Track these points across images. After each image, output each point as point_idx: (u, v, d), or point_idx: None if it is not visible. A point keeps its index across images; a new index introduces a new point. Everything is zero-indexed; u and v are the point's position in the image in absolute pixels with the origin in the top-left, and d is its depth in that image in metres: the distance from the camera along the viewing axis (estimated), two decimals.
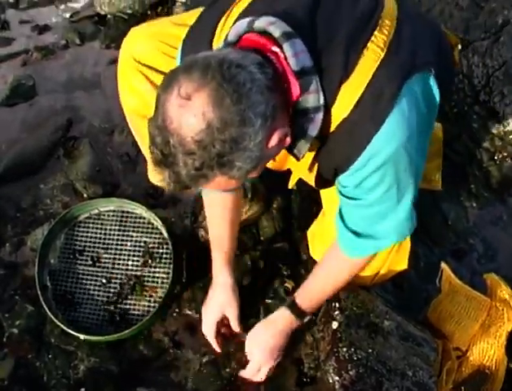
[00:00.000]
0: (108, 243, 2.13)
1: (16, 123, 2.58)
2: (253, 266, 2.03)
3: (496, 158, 2.35)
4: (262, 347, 1.74)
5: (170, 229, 2.09)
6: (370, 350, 1.64)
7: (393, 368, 1.62)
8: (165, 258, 2.07)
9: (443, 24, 2.49)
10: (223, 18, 1.38)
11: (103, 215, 2.18)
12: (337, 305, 1.73)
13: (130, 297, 2.02)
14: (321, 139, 1.29)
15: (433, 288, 1.94)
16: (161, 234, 2.11)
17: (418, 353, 1.67)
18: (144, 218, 2.16)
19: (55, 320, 1.92)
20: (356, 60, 1.23)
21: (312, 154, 1.36)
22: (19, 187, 2.34)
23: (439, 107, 1.38)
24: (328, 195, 1.72)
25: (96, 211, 2.18)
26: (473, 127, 2.39)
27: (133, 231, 2.14)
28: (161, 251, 2.09)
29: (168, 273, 2.02)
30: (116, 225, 2.16)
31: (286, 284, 1.99)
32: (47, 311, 1.93)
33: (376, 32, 1.26)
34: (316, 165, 1.41)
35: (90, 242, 2.13)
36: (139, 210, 2.16)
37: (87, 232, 2.15)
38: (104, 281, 2.05)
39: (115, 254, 2.10)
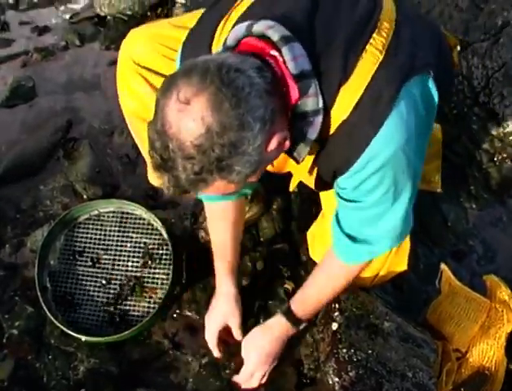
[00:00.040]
0: (108, 245, 2.13)
1: (16, 124, 2.58)
2: (252, 267, 2.03)
3: (495, 159, 2.36)
4: (257, 352, 1.74)
5: (170, 230, 2.09)
6: (370, 351, 1.64)
7: (393, 369, 1.62)
8: (165, 259, 2.07)
9: (443, 26, 2.50)
10: (222, 22, 1.38)
11: (103, 216, 2.18)
12: (336, 306, 1.73)
13: (129, 298, 2.02)
14: (321, 142, 1.29)
15: (433, 290, 1.94)
16: (160, 235, 2.11)
17: (418, 355, 1.67)
18: (144, 219, 2.16)
19: (55, 321, 1.91)
20: (355, 63, 1.23)
21: (312, 157, 1.36)
22: (18, 188, 2.34)
23: (439, 108, 1.38)
24: (327, 197, 1.72)
25: (96, 212, 2.18)
26: (472, 128, 2.39)
27: (133, 232, 2.14)
28: (160, 252, 2.09)
29: (168, 274, 2.02)
30: (116, 226, 2.16)
31: (286, 285, 1.99)
32: (47, 312, 1.93)
33: (374, 35, 1.26)
34: (316, 168, 1.41)
35: (89, 243, 2.13)
36: (139, 211, 2.16)
37: (87, 233, 2.15)
38: (104, 282, 2.05)
39: (115, 255, 2.10)
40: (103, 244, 2.13)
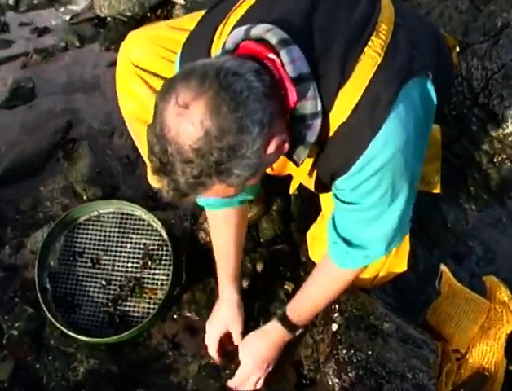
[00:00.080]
0: (108, 245, 2.13)
1: (16, 125, 2.58)
2: (252, 268, 2.03)
3: (495, 160, 2.36)
4: (252, 357, 1.76)
5: (170, 231, 2.10)
6: (370, 352, 1.65)
7: (393, 370, 1.62)
8: (165, 260, 2.07)
9: (443, 27, 2.50)
10: (221, 25, 1.38)
11: (103, 217, 2.18)
12: (336, 307, 1.73)
13: (129, 299, 2.02)
14: (320, 145, 1.29)
15: (432, 291, 1.95)
16: (160, 236, 2.11)
17: (418, 356, 1.67)
18: (144, 220, 2.16)
19: (55, 322, 1.92)
20: (353, 65, 1.23)
21: (311, 159, 1.36)
22: (18, 190, 2.34)
23: (438, 109, 1.38)
24: (327, 198, 1.72)
25: (96, 213, 2.18)
26: (472, 130, 2.39)
27: (132, 233, 2.14)
28: (160, 253, 2.09)
29: (168, 275, 2.02)
30: (115, 227, 2.16)
31: (286, 286, 1.99)
32: (47, 313, 1.94)
33: (373, 38, 1.26)
34: (315, 170, 1.41)
35: (89, 244, 2.14)
36: (139, 212, 2.16)
37: (87, 234, 2.15)
38: (104, 283, 2.05)
39: (115, 256, 2.10)
40: (103, 245, 2.13)
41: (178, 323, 1.98)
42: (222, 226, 1.80)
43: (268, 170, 1.50)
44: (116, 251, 2.11)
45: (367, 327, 1.70)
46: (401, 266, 1.72)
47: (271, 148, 1.16)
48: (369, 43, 1.25)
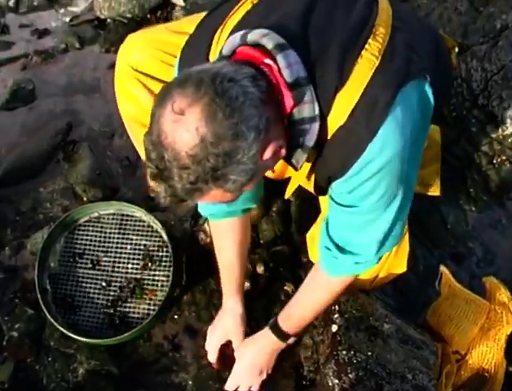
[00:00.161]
0: (108, 247, 2.13)
1: (16, 127, 2.59)
2: (252, 270, 2.03)
3: (494, 162, 2.36)
4: (243, 363, 1.78)
5: (170, 232, 2.09)
6: (370, 353, 1.65)
7: (393, 371, 1.62)
8: (165, 261, 2.07)
9: (442, 29, 2.50)
10: (219, 30, 1.38)
11: (103, 218, 2.19)
12: (336, 308, 1.73)
13: (129, 300, 2.02)
14: (318, 148, 1.29)
15: (432, 292, 1.95)
16: (160, 237, 2.12)
17: (418, 357, 1.67)
18: (144, 221, 2.16)
19: (55, 323, 1.92)
20: (351, 69, 1.22)
21: (310, 163, 1.36)
22: (18, 191, 2.34)
23: (438, 111, 1.38)
24: (326, 200, 1.72)
25: (96, 214, 2.19)
26: (471, 131, 2.39)
27: (133, 234, 2.14)
28: (160, 254, 2.09)
29: (168, 276, 2.03)
30: (115, 228, 2.16)
31: (286, 287, 1.99)
32: (47, 314, 1.94)
33: (370, 41, 1.25)
34: (314, 173, 1.41)
35: (89, 245, 2.14)
36: (139, 213, 2.16)
37: (87, 235, 2.16)
38: (104, 284, 2.06)
39: (115, 257, 2.10)
40: (103, 246, 2.13)
41: (179, 324, 1.98)
42: (226, 236, 1.80)
43: (269, 174, 1.51)
44: (116, 252, 2.11)
45: (367, 328, 1.70)
46: (401, 267, 1.72)
47: (268, 154, 1.16)
48: (366, 46, 1.25)
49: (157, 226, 2.11)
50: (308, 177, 1.41)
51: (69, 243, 2.14)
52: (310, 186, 1.46)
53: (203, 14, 1.53)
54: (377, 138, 1.22)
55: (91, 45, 2.94)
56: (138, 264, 2.08)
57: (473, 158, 2.36)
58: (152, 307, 2.00)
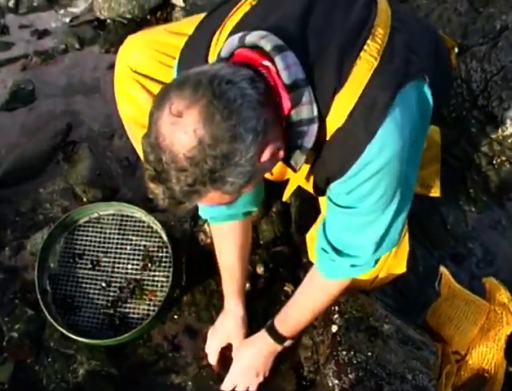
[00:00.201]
0: (108, 247, 2.13)
1: (16, 127, 2.59)
2: (252, 270, 2.03)
3: (494, 162, 2.36)
4: (239, 364, 1.78)
5: (170, 232, 2.10)
6: (370, 354, 1.65)
7: (392, 372, 1.62)
8: (165, 262, 2.07)
9: (442, 29, 2.50)
10: (217, 32, 1.38)
11: (103, 219, 2.18)
12: (336, 308, 1.74)
13: (129, 301, 2.02)
14: (317, 150, 1.29)
15: (432, 292, 1.95)
16: (160, 237, 2.12)
17: (418, 357, 1.67)
18: (144, 222, 2.16)
19: (55, 324, 1.91)
20: (349, 70, 1.22)
21: (309, 164, 1.36)
22: (18, 192, 2.34)
23: (437, 111, 1.38)
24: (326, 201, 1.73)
25: (96, 215, 2.19)
26: (471, 132, 2.39)
27: (132, 235, 2.14)
28: (160, 254, 2.09)
29: (168, 276, 2.02)
30: (115, 229, 2.16)
31: (286, 288, 1.99)
32: (47, 315, 1.94)
33: (369, 42, 1.25)
34: (312, 174, 1.41)
35: (89, 246, 2.14)
36: (139, 214, 2.16)
37: (87, 236, 2.15)
38: (104, 285, 2.06)
39: (114, 258, 2.10)
40: (103, 247, 2.13)
41: (178, 325, 1.98)
42: (227, 239, 1.80)
43: (269, 176, 1.51)
44: (116, 253, 2.11)
45: (367, 329, 1.70)
46: (401, 268, 1.72)
47: (266, 156, 1.16)
48: (365, 47, 1.24)
49: (157, 226, 2.11)
50: (307, 179, 1.41)
51: (69, 243, 2.14)
52: (309, 187, 1.46)
53: (202, 15, 1.53)
54: (376, 139, 1.22)
55: (91, 45, 2.94)
56: (138, 264, 2.08)
57: (473, 159, 2.37)
58: (151, 308, 2.00)
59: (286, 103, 1.18)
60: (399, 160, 1.27)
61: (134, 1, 2.92)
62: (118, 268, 2.08)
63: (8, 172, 2.39)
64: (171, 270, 2.02)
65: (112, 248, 2.12)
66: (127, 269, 2.08)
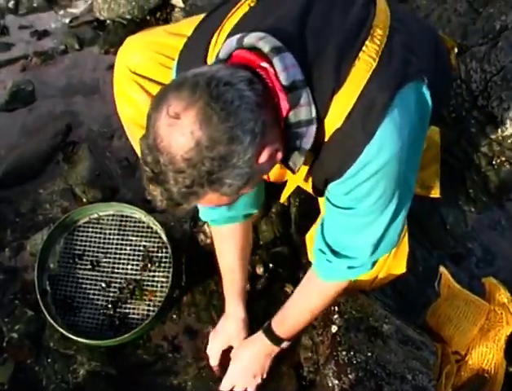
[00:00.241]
0: (108, 248, 2.13)
1: (16, 128, 2.59)
2: (252, 271, 2.03)
3: (494, 163, 2.36)
4: (237, 365, 1.79)
5: (170, 233, 2.10)
6: (369, 354, 1.65)
7: (392, 372, 1.62)
8: (165, 262, 2.07)
9: (441, 30, 2.50)
10: (216, 33, 1.38)
11: (103, 219, 2.18)
12: (336, 308, 1.73)
13: (129, 301, 2.02)
14: (315, 151, 1.29)
15: (432, 292, 1.94)
16: (160, 238, 2.12)
17: (418, 357, 1.67)
18: (144, 222, 2.16)
19: (55, 325, 1.91)
20: (348, 71, 1.22)
21: (308, 165, 1.36)
22: (18, 192, 2.34)
23: (437, 112, 1.38)
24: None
25: (95, 215, 2.18)
26: (471, 132, 2.39)
27: (132, 235, 2.14)
28: (160, 255, 2.09)
29: (167, 277, 2.02)
30: (115, 229, 2.16)
31: (285, 288, 1.99)
32: (47, 316, 1.94)
33: (367, 42, 1.25)
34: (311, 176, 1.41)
35: (89, 246, 2.14)
36: (139, 214, 2.16)
37: (87, 237, 2.15)
38: (104, 285, 2.06)
39: (114, 258, 2.10)
40: (103, 248, 2.13)
41: (178, 325, 1.98)
42: (227, 241, 1.80)
43: (270, 176, 1.51)
44: (115, 253, 2.11)
45: (366, 329, 1.70)
46: (400, 268, 1.72)
47: (263, 158, 1.16)
48: (364, 48, 1.24)
49: (157, 227, 2.11)
50: (306, 180, 1.41)
51: (69, 244, 2.14)
52: (309, 188, 1.46)
53: (202, 16, 1.53)
54: (375, 140, 1.22)
55: (91, 46, 2.95)
56: (137, 265, 2.08)
57: (472, 159, 2.37)
58: (151, 308, 2.00)
59: (284, 105, 1.18)
60: (398, 161, 1.27)
61: (134, 1, 2.92)
62: (118, 268, 2.08)
63: (8, 172, 2.39)
64: (171, 270, 2.02)
65: (111, 248, 2.12)
66: (127, 269, 2.08)
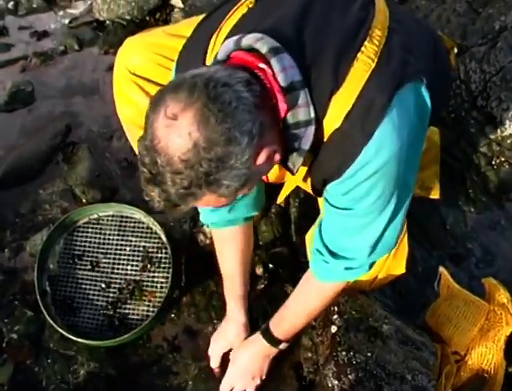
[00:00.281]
0: (107, 248, 2.13)
1: (15, 128, 2.59)
2: (252, 271, 2.03)
3: (493, 163, 2.36)
4: (235, 366, 1.79)
5: (169, 233, 2.10)
6: (369, 354, 1.64)
7: (392, 372, 1.62)
8: (164, 263, 2.07)
9: (441, 30, 2.50)
10: (215, 34, 1.38)
11: (102, 220, 2.19)
12: (335, 309, 1.73)
13: (129, 302, 2.02)
14: (314, 152, 1.29)
15: (431, 293, 1.94)
16: (159, 238, 2.12)
17: (417, 357, 1.67)
18: (143, 223, 2.16)
19: (55, 325, 1.92)
20: (346, 71, 1.22)
21: (306, 166, 1.36)
22: (18, 193, 2.34)
23: (436, 112, 1.38)
24: None
25: (95, 216, 2.19)
26: (470, 132, 2.39)
27: (132, 236, 2.14)
28: (159, 255, 2.09)
29: (167, 277, 2.02)
30: (115, 230, 2.16)
31: (285, 289, 1.99)
32: (47, 316, 1.94)
33: (366, 43, 1.25)
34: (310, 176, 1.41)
35: (89, 247, 2.14)
36: (138, 215, 2.16)
37: (86, 237, 2.16)
38: (104, 286, 2.06)
39: (114, 259, 2.10)
40: (103, 248, 2.13)
41: (178, 326, 1.98)
42: (228, 244, 1.80)
43: (270, 177, 1.51)
44: (115, 254, 2.11)
45: (366, 329, 1.70)
46: (400, 268, 1.72)
47: (261, 159, 1.16)
48: (362, 49, 1.24)
49: (156, 227, 2.11)
50: (305, 180, 1.41)
51: (69, 244, 2.14)
52: (308, 188, 1.46)
53: (201, 17, 1.53)
54: (373, 141, 1.22)
55: (90, 47, 2.95)
56: (137, 265, 2.08)
57: (472, 159, 2.37)
58: (151, 308, 2.00)
59: (282, 106, 1.18)
60: (397, 162, 1.26)
61: (134, 2, 2.92)
62: (118, 269, 2.09)
63: (8, 173, 2.39)
64: (171, 270, 2.02)
65: (111, 249, 2.13)
66: (127, 270, 2.08)
